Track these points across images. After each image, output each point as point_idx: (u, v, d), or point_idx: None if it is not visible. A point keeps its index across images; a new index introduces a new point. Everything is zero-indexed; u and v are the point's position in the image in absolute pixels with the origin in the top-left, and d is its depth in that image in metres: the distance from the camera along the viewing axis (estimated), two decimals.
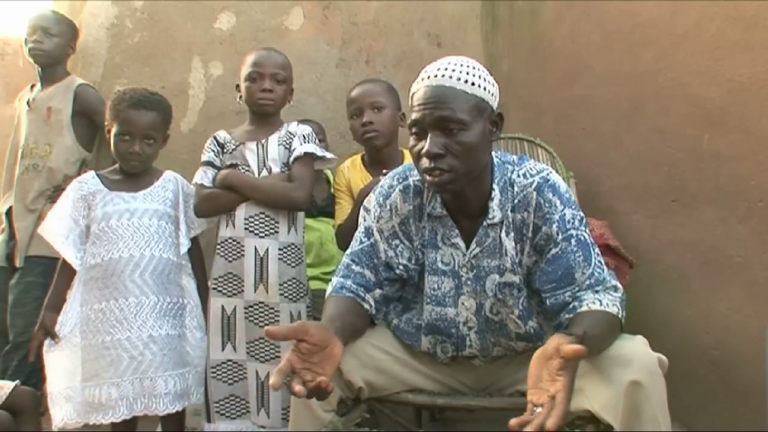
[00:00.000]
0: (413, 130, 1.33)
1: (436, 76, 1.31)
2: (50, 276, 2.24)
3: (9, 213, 2.38)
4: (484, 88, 1.32)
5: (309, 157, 2.03)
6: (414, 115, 1.32)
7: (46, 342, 1.85)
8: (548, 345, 1.12)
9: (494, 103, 1.35)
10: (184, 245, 1.97)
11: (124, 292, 1.85)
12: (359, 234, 1.50)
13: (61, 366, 1.84)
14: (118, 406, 1.80)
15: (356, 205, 1.98)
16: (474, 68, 1.33)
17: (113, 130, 1.91)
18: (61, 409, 1.81)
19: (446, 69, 1.32)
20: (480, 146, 1.32)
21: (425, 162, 1.31)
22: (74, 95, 2.36)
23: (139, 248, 1.89)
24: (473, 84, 1.31)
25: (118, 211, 1.91)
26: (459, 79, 1.30)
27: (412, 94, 1.35)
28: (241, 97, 2.08)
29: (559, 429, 1.00)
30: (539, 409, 1.05)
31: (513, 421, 1.03)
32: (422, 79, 1.34)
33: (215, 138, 2.07)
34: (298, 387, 1.10)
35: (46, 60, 2.38)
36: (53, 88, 2.38)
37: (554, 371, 1.08)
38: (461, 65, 1.33)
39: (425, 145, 1.29)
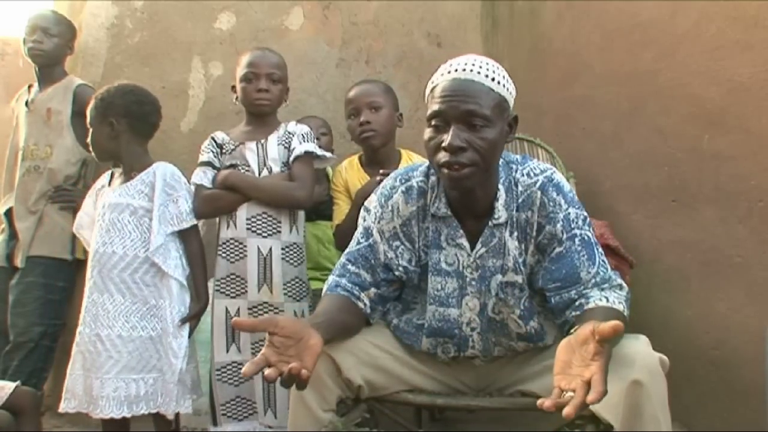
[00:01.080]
0: (433, 122, 1.32)
1: (464, 69, 1.30)
2: (51, 276, 2.26)
3: (9, 213, 2.38)
4: (507, 89, 1.33)
5: (309, 156, 2.03)
6: (436, 107, 1.30)
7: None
8: (579, 331, 1.11)
9: (512, 104, 1.36)
10: (153, 243, 1.87)
11: (88, 287, 1.89)
12: (357, 234, 1.50)
13: None
14: (67, 398, 1.84)
15: (354, 206, 1.98)
16: (498, 68, 1.34)
17: None
18: None
19: (473, 64, 1.31)
20: (498, 145, 1.33)
21: (444, 155, 1.29)
22: (73, 96, 2.36)
23: (104, 244, 1.88)
24: (498, 83, 1.31)
25: (101, 205, 1.95)
26: (487, 75, 1.30)
27: (434, 87, 1.33)
28: (237, 98, 2.08)
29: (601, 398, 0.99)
30: (570, 394, 1.03)
31: (547, 402, 1.01)
32: (447, 72, 1.32)
33: (213, 139, 2.07)
34: (268, 371, 1.08)
35: (45, 60, 2.38)
36: (52, 89, 2.38)
37: (588, 356, 1.06)
38: (487, 63, 1.33)
39: (446, 138, 1.28)
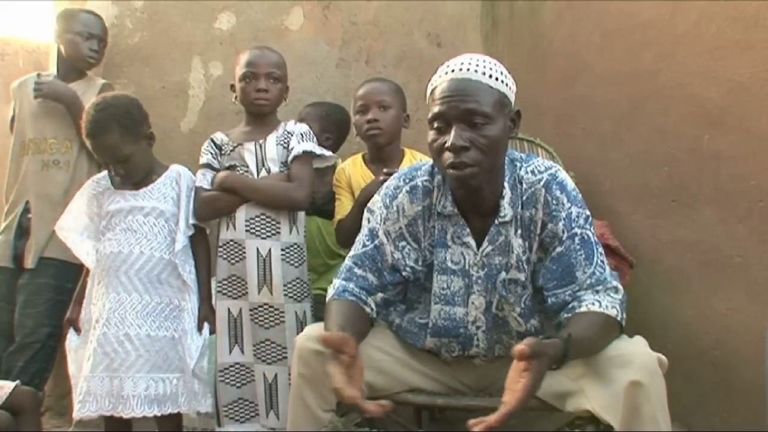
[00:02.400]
0: (435, 124, 1.32)
1: (461, 69, 1.31)
2: (62, 278, 2.24)
3: (24, 211, 2.31)
4: (506, 85, 1.34)
5: (308, 155, 2.02)
6: (437, 108, 1.31)
7: (72, 338, 1.92)
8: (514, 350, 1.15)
9: (513, 100, 1.37)
10: (180, 242, 1.92)
11: (112, 288, 1.87)
12: (362, 236, 1.49)
13: (81, 360, 1.90)
14: (86, 401, 1.80)
15: (357, 204, 1.97)
16: (496, 64, 1.34)
17: None
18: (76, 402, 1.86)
19: (470, 63, 1.32)
20: (502, 141, 1.33)
21: (449, 156, 1.30)
22: (100, 92, 2.29)
23: (129, 245, 1.89)
24: (497, 79, 1.32)
25: (116, 209, 1.94)
26: (484, 73, 1.31)
27: (434, 89, 1.34)
28: (236, 97, 2.07)
29: (511, 415, 1.08)
30: None
31: (471, 421, 1.09)
32: (445, 73, 1.33)
33: (212, 140, 2.07)
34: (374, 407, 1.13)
35: (94, 66, 2.42)
36: (74, 85, 2.35)
37: (519, 372, 1.13)
38: (484, 61, 1.33)
39: (449, 138, 1.28)
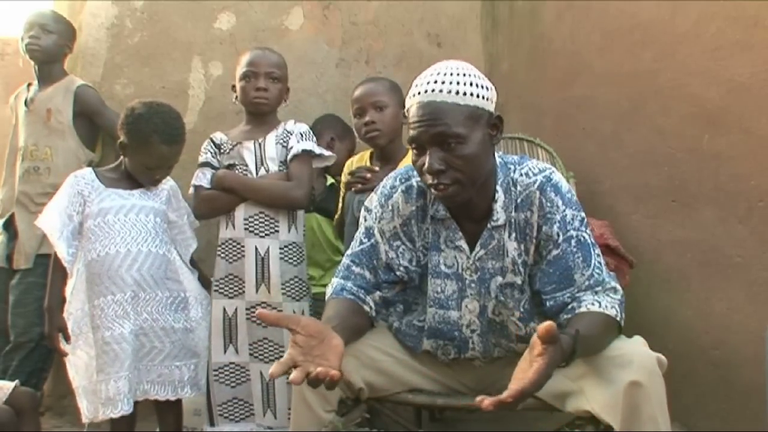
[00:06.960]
0: (413, 146, 1.33)
1: (426, 91, 1.29)
2: None
3: (12, 215, 2.38)
4: (478, 95, 1.29)
5: (307, 154, 2.03)
6: (411, 132, 1.31)
7: (70, 341, 1.89)
8: (532, 341, 1.13)
9: (491, 107, 1.33)
10: (193, 246, 2.01)
11: (122, 286, 1.86)
12: (359, 234, 1.50)
13: (82, 362, 1.89)
14: (125, 399, 1.82)
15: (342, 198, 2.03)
16: (465, 75, 1.30)
17: (138, 156, 1.91)
18: (83, 404, 1.86)
19: (436, 82, 1.29)
20: (481, 154, 1.31)
21: (429, 177, 1.31)
22: (74, 96, 2.35)
23: (137, 244, 1.89)
24: (465, 94, 1.28)
25: (114, 207, 1.91)
26: (450, 91, 1.28)
27: (407, 109, 1.34)
28: (236, 97, 2.08)
29: (525, 396, 1.04)
30: None
31: (479, 398, 1.06)
32: (415, 94, 1.31)
33: (211, 139, 2.08)
34: (294, 374, 1.09)
35: (42, 56, 2.36)
36: (52, 89, 2.37)
37: (534, 357, 1.09)
38: (451, 75, 1.29)
39: (426, 160, 1.29)
